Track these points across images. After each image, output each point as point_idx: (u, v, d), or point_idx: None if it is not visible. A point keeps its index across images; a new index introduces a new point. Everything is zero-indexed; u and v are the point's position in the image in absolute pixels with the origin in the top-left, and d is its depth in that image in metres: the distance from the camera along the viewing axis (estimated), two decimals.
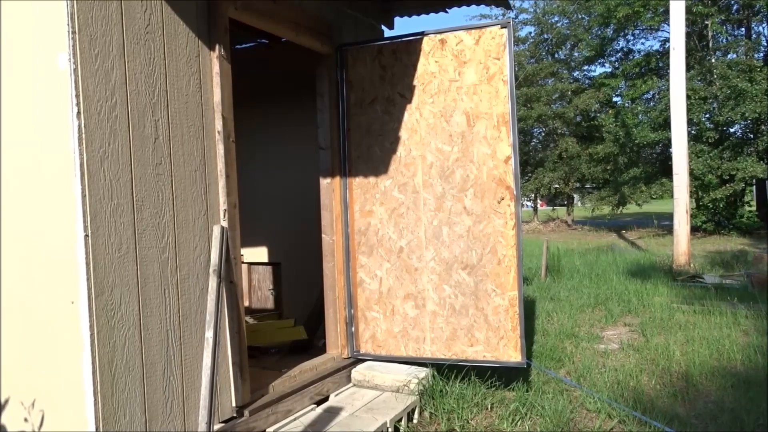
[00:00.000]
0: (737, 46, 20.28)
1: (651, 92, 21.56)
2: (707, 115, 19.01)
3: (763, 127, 18.08)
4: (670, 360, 4.89)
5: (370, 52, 4.10)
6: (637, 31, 23.16)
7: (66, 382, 2.36)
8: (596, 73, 27.63)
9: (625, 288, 8.43)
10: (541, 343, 5.53)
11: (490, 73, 3.81)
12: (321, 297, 4.36)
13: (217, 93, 2.97)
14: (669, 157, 16.24)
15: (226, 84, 3.03)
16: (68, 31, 2.27)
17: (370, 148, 4.12)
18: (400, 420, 3.56)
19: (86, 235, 2.31)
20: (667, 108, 14.83)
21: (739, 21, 21.21)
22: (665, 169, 19.62)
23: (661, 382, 4.39)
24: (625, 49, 24.20)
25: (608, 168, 23.06)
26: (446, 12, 4.99)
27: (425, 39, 3.96)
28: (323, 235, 4.13)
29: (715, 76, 18.71)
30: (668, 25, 13.47)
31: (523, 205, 24.03)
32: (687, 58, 12.58)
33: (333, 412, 3.49)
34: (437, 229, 3.96)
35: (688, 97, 13.80)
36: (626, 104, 22.39)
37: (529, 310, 6.90)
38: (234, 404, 3.02)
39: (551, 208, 32.20)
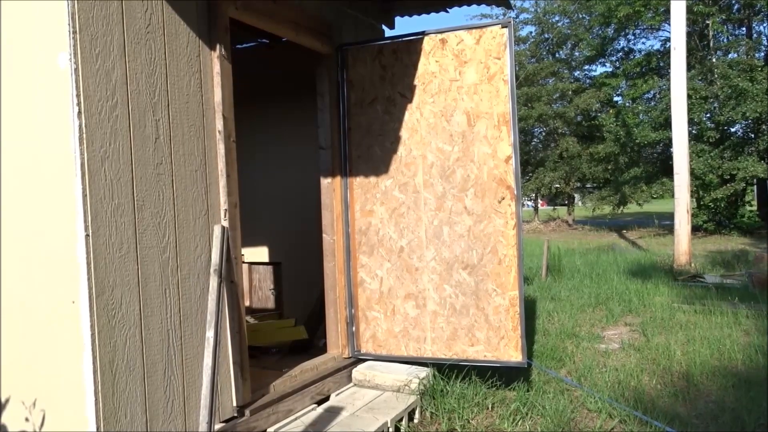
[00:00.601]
0: (738, 45, 20.27)
1: (652, 92, 21.56)
2: (708, 115, 19.00)
3: (763, 127, 18.06)
4: (671, 360, 4.89)
5: (370, 51, 4.10)
6: (637, 31, 23.16)
7: (67, 382, 2.36)
8: (597, 73, 27.71)
9: (626, 288, 8.43)
10: (541, 342, 5.53)
11: (491, 73, 3.81)
12: (321, 297, 4.36)
13: (217, 93, 2.97)
14: (670, 157, 16.25)
15: (227, 84, 3.03)
16: (69, 31, 2.27)
17: (370, 148, 4.11)
18: (401, 420, 3.56)
19: (87, 235, 2.31)
20: (668, 107, 14.82)
21: (740, 20, 21.19)
22: (666, 169, 19.61)
23: (662, 382, 4.39)
24: (625, 49, 24.21)
25: (609, 168, 23.06)
26: (447, 12, 4.99)
27: (426, 39, 3.96)
28: (324, 235, 4.13)
29: (716, 76, 18.70)
30: (669, 24, 13.46)
31: (523, 205, 24.10)
32: (688, 57, 12.59)
33: (334, 412, 3.49)
34: (438, 228, 3.96)
35: (689, 96, 13.78)
36: (627, 104, 22.39)
37: (529, 310, 6.90)
38: (235, 404, 3.02)
39: (552, 207, 32.21)
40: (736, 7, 20.71)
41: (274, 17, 3.48)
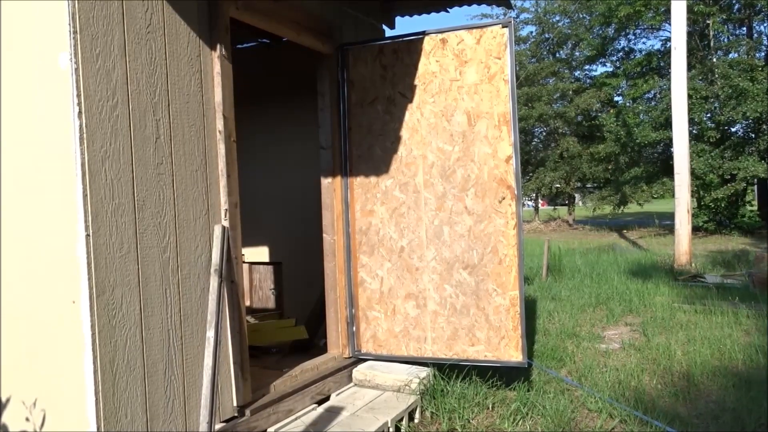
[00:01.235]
0: (738, 45, 20.27)
1: (652, 92, 21.55)
2: (708, 115, 19.00)
3: (764, 127, 18.06)
4: (672, 360, 4.89)
5: (371, 51, 4.10)
6: (638, 31, 23.17)
7: (67, 382, 2.37)
8: (597, 73, 27.67)
9: (627, 287, 8.42)
10: (542, 342, 5.53)
11: (491, 73, 3.80)
12: (322, 296, 4.36)
13: (218, 93, 2.97)
14: (670, 157, 16.24)
15: (228, 84, 3.03)
16: (69, 31, 2.27)
17: (371, 148, 4.11)
18: (402, 420, 3.56)
19: (87, 235, 2.31)
20: (669, 107, 14.82)
21: (741, 20, 21.18)
22: (666, 169, 19.61)
23: (663, 382, 4.39)
24: (626, 49, 24.22)
25: (609, 167, 23.07)
26: (447, 11, 4.99)
27: (426, 38, 3.96)
28: (324, 235, 4.13)
29: (717, 76, 18.69)
30: (669, 24, 13.44)
31: (524, 205, 24.03)
32: (688, 57, 12.59)
33: (334, 412, 3.49)
34: (438, 228, 3.95)
35: (690, 96, 13.78)
36: (627, 104, 22.38)
37: (530, 310, 6.90)
38: (235, 404, 3.02)
39: (552, 207, 32.22)
40: (736, 6, 20.70)
41: (275, 17, 3.48)
